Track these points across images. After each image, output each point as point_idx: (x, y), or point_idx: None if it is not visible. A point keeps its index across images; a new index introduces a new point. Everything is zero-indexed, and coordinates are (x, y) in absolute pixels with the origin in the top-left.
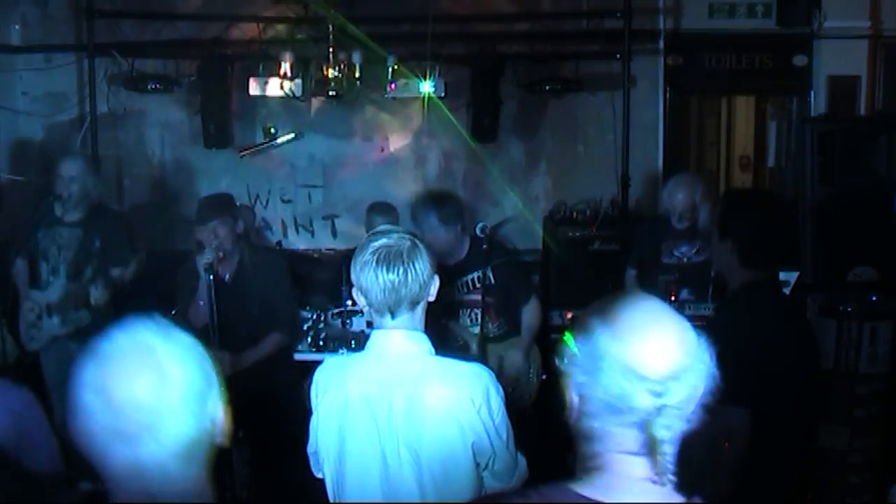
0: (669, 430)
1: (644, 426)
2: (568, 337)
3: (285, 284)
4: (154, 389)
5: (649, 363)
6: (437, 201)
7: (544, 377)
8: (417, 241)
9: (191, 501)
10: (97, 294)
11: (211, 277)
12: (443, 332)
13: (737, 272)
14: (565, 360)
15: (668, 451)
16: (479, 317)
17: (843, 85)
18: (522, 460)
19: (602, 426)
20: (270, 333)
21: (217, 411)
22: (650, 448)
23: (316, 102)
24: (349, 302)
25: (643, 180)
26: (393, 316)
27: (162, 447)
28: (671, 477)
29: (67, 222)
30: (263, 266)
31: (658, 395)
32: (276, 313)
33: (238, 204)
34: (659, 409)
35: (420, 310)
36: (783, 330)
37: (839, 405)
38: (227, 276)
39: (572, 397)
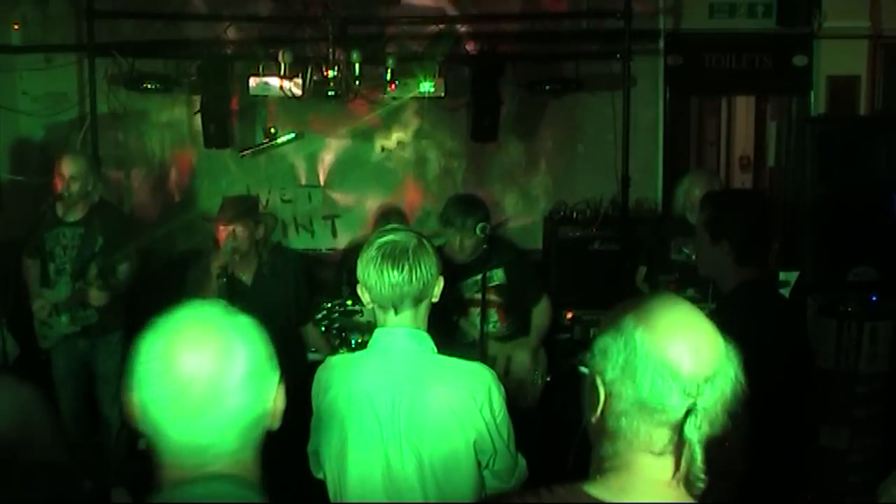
0: (699, 431)
1: (674, 426)
2: (598, 334)
3: (304, 281)
4: (219, 362)
5: (685, 363)
6: (476, 208)
7: (549, 379)
8: (424, 240)
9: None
10: (97, 295)
11: (224, 280)
12: (452, 329)
13: (731, 273)
14: (596, 357)
15: (698, 451)
16: (488, 315)
17: (843, 85)
18: (522, 461)
19: (631, 425)
20: (308, 329)
21: (276, 395)
22: (678, 449)
23: (316, 102)
24: (349, 301)
25: (643, 180)
26: (396, 313)
27: (223, 421)
28: (702, 476)
29: (69, 222)
30: (282, 269)
31: (692, 395)
32: (302, 308)
33: (262, 209)
34: (691, 410)
35: (423, 308)
36: (780, 328)
37: (839, 405)
38: (244, 278)
39: (602, 395)
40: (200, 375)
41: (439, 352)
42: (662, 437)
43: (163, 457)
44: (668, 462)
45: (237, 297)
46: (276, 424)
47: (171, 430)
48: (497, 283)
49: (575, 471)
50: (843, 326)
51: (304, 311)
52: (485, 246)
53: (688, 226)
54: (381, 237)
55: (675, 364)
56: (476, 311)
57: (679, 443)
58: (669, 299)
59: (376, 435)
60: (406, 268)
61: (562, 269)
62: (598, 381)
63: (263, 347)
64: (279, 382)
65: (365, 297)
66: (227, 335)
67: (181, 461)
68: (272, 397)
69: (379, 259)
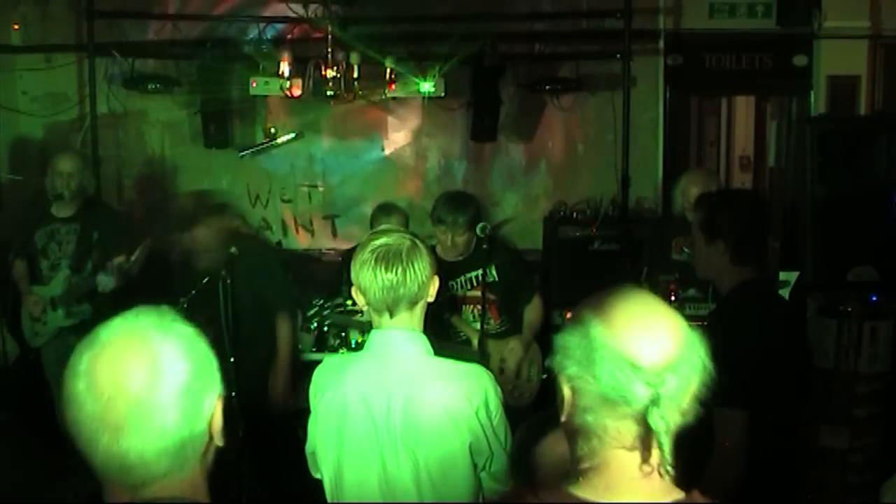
0: (665, 421)
1: (639, 418)
2: (560, 331)
3: (273, 269)
4: (143, 382)
5: (644, 353)
6: (466, 205)
7: (545, 377)
8: (417, 241)
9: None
10: (105, 280)
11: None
12: (445, 327)
13: (728, 273)
14: (558, 355)
15: (665, 442)
16: (482, 313)
17: (843, 85)
18: None
19: (597, 420)
20: (278, 322)
21: (213, 412)
22: (646, 441)
23: (316, 102)
24: (349, 302)
25: (643, 180)
26: (391, 315)
27: (146, 442)
28: (670, 469)
29: (64, 218)
30: (247, 259)
31: (653, 385)
32: (273, 299)
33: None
34: (654, 400)
35: (419, 310)
36: (779, 328)
37: (839, 405)
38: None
39: (565, 392)
40: (122, 393)
41: (435, 352)
42: (630, 430)
43: (97, 475)
44: (640, 455)
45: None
46: (219, 442)
47: (95, 448)
48: (489, 280)
49: None
50: (843, 326)
51: (277, 301)
52: (485, 246)
53: (689, 225)
54: (374, 240)
55: (632, 354)
56: (468, 308)
57: (647, 435)
58: (629, 291)
59: (372, 437)
60: (400, 270)
61: (562, 269)
62: (562, 379)
63: (198, 364)
64: (217, 399)
65: (360, 299)
66: (155, 351)
67: (111, 478)
68: (206, 417)
69: (373, 262)
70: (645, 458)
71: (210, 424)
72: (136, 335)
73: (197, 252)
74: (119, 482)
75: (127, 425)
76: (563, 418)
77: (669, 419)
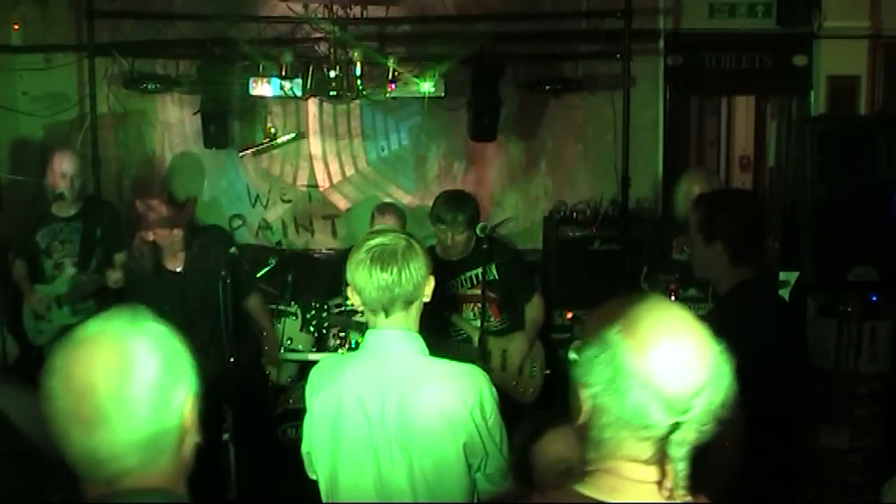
0: (684, 446)
1: (658, 441)
2: (582, 342)
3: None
4: (114, 378)
5: (672, 382)
6: (465, 204)
7: (548, 373)
8: (413, 241)
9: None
10: (114, 277)
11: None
12: (445, 325)
13: (727, 273)
14: (580, 367)
15: (682, 465)
16: (482, 311)
17: (843, 85)
18: None
19: (614, 437)
20: (250, 302)
21: (185, 408)
22: (661, 460)
23: (316, 102)
24: (349, 302)
25: (643, 180)
26: (387, 315)
27: (116, 437)
28: (682, 492)
29: (65, 217)
30: (208, 244)
31: (677, 412)
32: (245, 283)
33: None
34: (676, 426)
35: (414, 310)
36: (778, 327)
37: (839, 405)
38: (180, 269)
39: (585, 405)
40: (93, 389)
41: (432, 349)
42: (647, 449)
43: (76, 469)
44: (654, 469)
45: (177, 289)
46: (196, 438)
47: (70, 443)
48: (489, 279)
49: None
50: (843, 326)
51: (243, 284)
52: (484, 246)
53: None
54: (370, 240)
55: (660, 383)
56: (468, 306)
57: (663, 455)
58: (656, 306)
59: (367, 437)
60: (395, 270)
61: (562, 269)
62: (583, 392)
63: (167, 360)
64: (188, 395)
65: (356, 299)
66: (125, 348)
67: (87, 473)
68: (176, 412)
69: (368, 262)
70: (661, 473)
71: (182, 419)
72: (107, 333)
73: (164, 253)
74: (92, 477)
75: (97, 420)
76: (576, 423)
77: (688, 443)
